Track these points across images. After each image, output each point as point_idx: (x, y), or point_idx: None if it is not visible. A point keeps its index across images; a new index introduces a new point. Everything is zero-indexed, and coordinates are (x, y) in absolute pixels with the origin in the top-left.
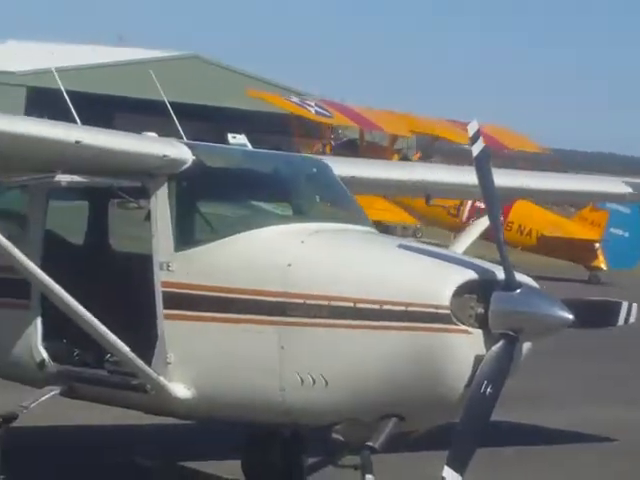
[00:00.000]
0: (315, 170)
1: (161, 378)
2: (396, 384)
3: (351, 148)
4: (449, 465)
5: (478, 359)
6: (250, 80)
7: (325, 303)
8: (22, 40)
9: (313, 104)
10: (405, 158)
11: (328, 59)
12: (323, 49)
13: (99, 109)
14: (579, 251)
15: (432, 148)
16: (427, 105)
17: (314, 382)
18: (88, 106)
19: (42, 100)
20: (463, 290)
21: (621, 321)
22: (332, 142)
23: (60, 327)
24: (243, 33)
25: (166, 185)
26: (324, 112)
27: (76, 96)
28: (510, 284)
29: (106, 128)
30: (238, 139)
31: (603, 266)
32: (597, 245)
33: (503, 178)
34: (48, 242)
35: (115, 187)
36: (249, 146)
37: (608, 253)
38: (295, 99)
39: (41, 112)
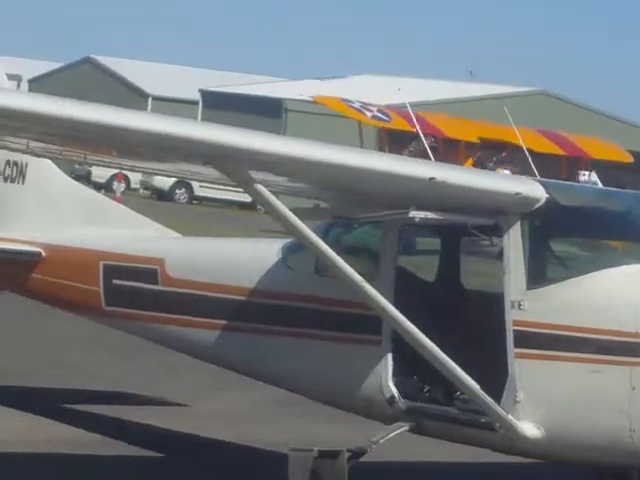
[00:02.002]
0: None
1: (510, 417)
2: None
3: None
4: None
5: None
6: (601, 118)
7: None
8: (373, 74)
9: (375, 110)
10: (481, 164)
11: None
12: None
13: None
14: None
15: (508, 156)
16: None
17: None
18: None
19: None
20: None
21: None
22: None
23: (410, 364)
24: (590, 70)
25: (519, 223)
26: (382, 117)
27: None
28: None
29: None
30: (589, 177)
31: None
32: None
33: None
34: (400, 278)
35: (469, 225)
36: (599, 184)
37: None
38: (356, 104)
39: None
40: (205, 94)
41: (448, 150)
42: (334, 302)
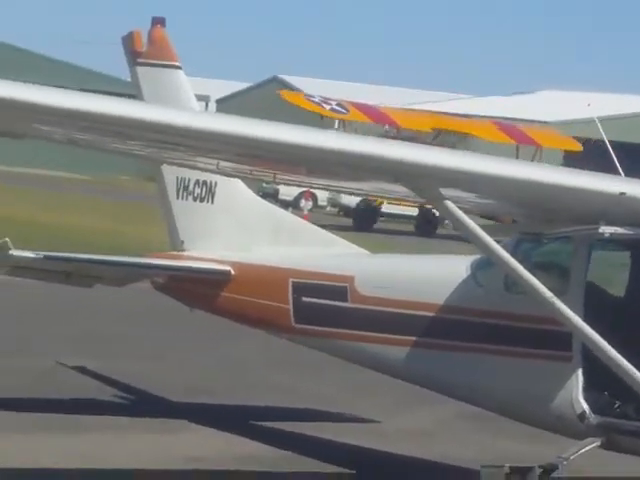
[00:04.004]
0: None
1: None
2: None
3: None
4: None
5: None
6: None
7: None
8: (555, 89)
9: (333, 103)
10: None
11: None
12: None
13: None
14: None
15: (460, 146)
16: None
17: None
18: (627, 157)
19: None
20: None
21: None
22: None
23: (601, 379)
24: None
25: None
26: (340, 109)
27: (616, 146)
28: None
29: None
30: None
31: None
32: None
33: None
34: (590, 294)
35: None
36: None
37: None
38: (316, 98)
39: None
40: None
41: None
42: (524, 318)
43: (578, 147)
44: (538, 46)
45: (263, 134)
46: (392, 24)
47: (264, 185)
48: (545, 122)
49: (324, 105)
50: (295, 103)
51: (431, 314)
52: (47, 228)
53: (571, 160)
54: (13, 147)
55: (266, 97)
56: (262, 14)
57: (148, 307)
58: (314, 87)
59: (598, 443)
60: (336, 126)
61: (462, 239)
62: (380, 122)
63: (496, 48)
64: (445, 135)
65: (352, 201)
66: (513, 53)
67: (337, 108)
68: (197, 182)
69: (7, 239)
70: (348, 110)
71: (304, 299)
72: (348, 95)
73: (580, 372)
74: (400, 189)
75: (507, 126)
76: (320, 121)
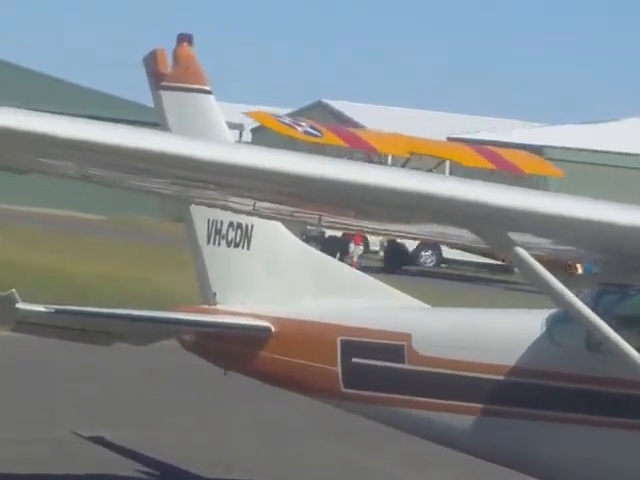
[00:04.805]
0: None
1: None
2: None
3: None
4: None
5: None
6: None
7: None
8: None
9: (306, 125)
10: None
11: None
12: None
13: None
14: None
15: (437, 171)
16: None
17: None
18: None
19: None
20: None
21: None
22: None
23: None
24: None
25: None
26: (313, 132)
27: None
28: None
29: None
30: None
31: (580, 269)
32: None
33: None
34: None
35: None
36: None
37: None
38: (286, 120)
39: None
40: (453, 141)
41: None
42: (610, 382)
43: (559, 173)
44: (622, 69)
45: (307, 170)
46: (447, 47)
47: (308, 227)
48: (636, 154)
49: (296, 127)
50: (265, 125)
51: (500, 377)
52: (58, 276)
53: None
54: (17, 183)
55: None
56: (301, 34)
57: (174, 367)
58: (362, 112)
59: None
60: None
61: (534, 290)
62: (356, 146)
63: (572, 71)
64: (420, 160)
65: (409, 245)
66: (592, 77)
67: (310, 131)
68: (231, 224)
69: (14, 290)
70: (322, 133)
71: (354, 360)
72: (401, 121)
73: None
74: (461, 233)
75: (485, 150)
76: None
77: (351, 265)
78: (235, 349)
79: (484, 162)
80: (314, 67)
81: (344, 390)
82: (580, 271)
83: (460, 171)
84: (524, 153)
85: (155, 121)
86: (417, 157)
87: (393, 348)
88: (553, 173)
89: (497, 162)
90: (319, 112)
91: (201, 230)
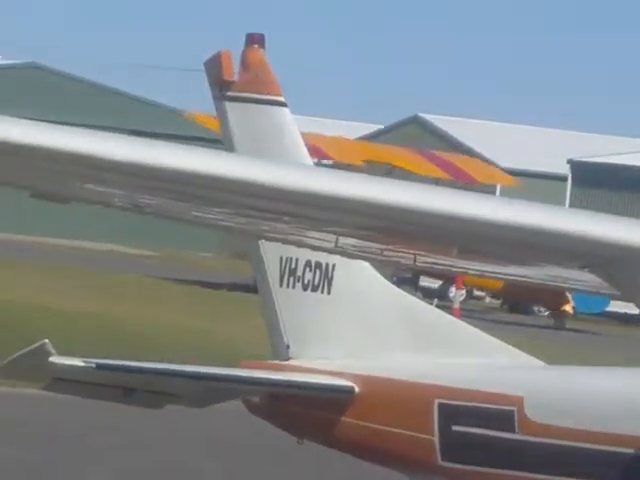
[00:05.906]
0: None
1: None
2: None
3: None
4: None
5: None
6: None
7: None
8: None
9: None
10: None
11: None
12: None
13: None
14: (548, 294)
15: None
16: None
17: None
18: None
19: None
20: None
21: None
22: None
23: None
24: None
25: None
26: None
27: None
28: None
29: None
30: None
31: (570, 310)
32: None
33: None
34: None
35: None
36: None
37: (576, 296)
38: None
39: None
40: (575, 165)
41: None
42: None
43: (513, 182)
44: None
45: (401, 200)
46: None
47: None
48: None
49: None
50: (210, 129)
51: (630, 450)
52: (97, 322)
53: None
54: (49, 213)
55: (404, 142)
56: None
57: (236, 435)
58: (457, 126)
59: None
60: None
61: None
62: (312, 155)
63: None
64: (374, 167)
65: None
66: None
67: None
68: (308, 264)
69: (47, 340)
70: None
71: (455, 428)
72: (493, 134)
73: None
74: (586, 277)
75: (436, 158)
76: None
77: (452, 313)
78: (311, 413)
79: (436, 171)
80: (406, 80)
81: (442, 464)
82: None
83: (409, 179)
84: (477, 161)
85: (217, 138)
86: (370, 164)
87: (502, 413)
88: (506, 182)
89: (450, 171)
90: (414, 129)
91: (272, 270)
